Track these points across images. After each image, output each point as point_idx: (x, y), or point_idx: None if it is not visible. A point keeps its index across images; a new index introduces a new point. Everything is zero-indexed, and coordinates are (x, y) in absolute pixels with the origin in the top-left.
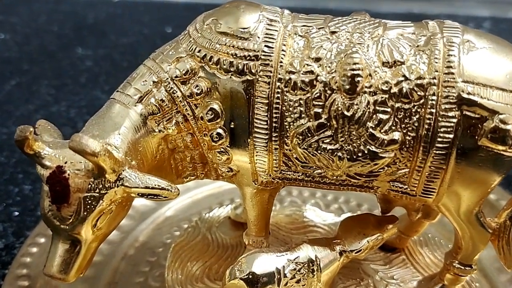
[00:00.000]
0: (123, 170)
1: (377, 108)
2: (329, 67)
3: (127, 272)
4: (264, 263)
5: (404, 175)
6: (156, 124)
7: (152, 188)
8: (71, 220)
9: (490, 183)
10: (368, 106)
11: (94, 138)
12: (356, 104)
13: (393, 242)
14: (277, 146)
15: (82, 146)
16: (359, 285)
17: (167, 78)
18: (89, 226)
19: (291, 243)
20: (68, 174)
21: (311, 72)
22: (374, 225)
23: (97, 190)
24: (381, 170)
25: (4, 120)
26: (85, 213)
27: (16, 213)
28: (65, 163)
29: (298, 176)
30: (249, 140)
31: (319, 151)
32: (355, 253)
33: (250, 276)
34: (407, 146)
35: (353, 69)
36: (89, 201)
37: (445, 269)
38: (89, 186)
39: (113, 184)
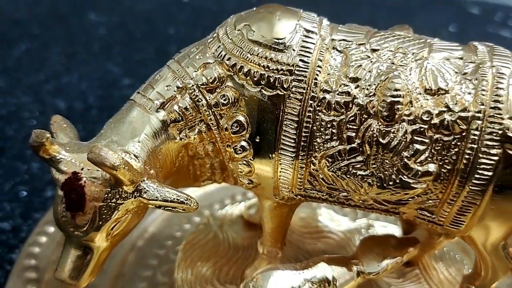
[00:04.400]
0: (141, 181)
1: (415, 137)
2: (367, 89)
3: (135, 264)
4: (279, 281)
5: (433, 205)
6: (178, 132)
7: (171, 201)
8: (85, 228)
9: None
10: (405, 135)
11: (113, 144)
12: (393, 132)
13: None
14: (303, 165)
15: (101, 159)
16: None
17: (193, 85)
18: (103, 235)
19: (303, 248)
20: (84, 182)
21: (348, 93)
22: (395, 247)
23: (114, 200)
24: (411, 199)
25: (13, 88)
26: (100, 222)
27: (24, 193)
28: (82, 169)
29: (322, 195)
30: (274, 155)
31: (348, 176)
32: (373, 275)
33: None
34: (442, 178)
35: (393, 96)
36: (105, 211)
37: None
38: (106, 195)
39: (130, 195)
